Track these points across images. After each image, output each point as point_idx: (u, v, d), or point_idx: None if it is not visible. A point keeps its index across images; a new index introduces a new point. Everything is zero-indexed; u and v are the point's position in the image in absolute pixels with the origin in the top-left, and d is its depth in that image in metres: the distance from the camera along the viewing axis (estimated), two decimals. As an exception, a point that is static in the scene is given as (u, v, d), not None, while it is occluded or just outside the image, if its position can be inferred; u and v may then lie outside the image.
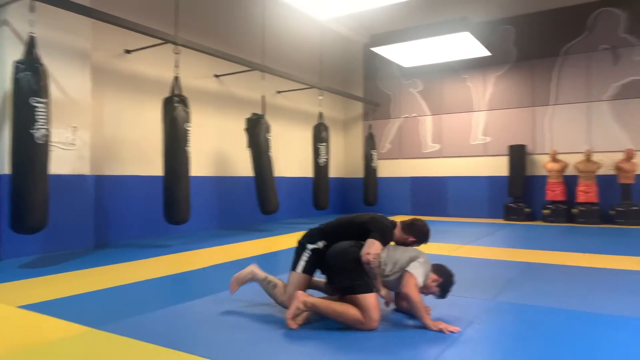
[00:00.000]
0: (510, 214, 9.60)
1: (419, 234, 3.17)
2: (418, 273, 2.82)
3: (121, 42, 6.66)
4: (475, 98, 10.49)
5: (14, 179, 4.60)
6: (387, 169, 11.41)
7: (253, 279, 3.23)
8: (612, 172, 8.90)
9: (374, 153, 10.68)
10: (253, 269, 3.24)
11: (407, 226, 3.18)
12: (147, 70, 7.06)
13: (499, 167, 10.11)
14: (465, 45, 8.61)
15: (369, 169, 10.56)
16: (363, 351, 2.42)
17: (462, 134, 10.60)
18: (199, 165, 7.68)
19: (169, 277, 4.24)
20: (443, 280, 2.94)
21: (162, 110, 6.10)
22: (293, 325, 2.72)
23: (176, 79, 6.10)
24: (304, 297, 2.80)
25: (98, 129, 6.37)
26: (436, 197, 10.87)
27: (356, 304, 2.72)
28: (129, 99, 6.84)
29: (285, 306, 3.00)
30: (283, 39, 9.63)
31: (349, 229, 3.11)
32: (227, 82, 8.40)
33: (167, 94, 6.18)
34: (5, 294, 3.58)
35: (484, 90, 10.39)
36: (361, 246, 2.89)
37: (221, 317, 3.02)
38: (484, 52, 9.10)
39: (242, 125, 7.73)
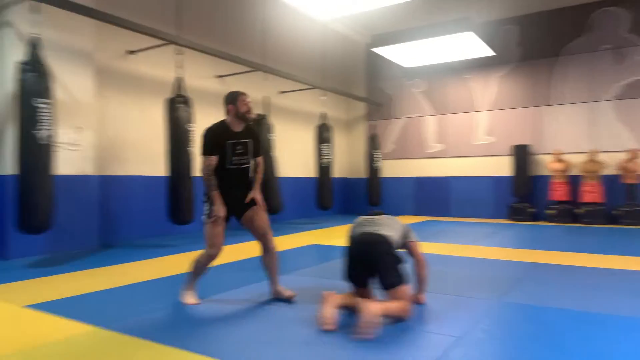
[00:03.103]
0: (514, 214, 9.56)
1: (228, 98, 3.32)
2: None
3: (124, 42, 6.67)
4: (478, 98, 10.46)
5: (19, 179, 4.63)
6: (390, 169, 11.39)
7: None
8: (616, 172, 8.85)
9: (378, 153, 10.67)
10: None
11: (224, 102, 3.33)
12: (150, 70, 7.07)
13: (502, 167, 10.08)
14: (469, 45, 8.58)
15: (372, 169, 10.55)
16: (370, 348, 2.41)
17: (466, 134, 10.58)
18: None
19: (174, 277, 4.23)
20: None
21: (165, 111, 6.11)
22: (331, 326, 2.69)
23: (178, 79, 6.08)
24: (373, 308, 2.62)
25: (102, 129, 6.38)
26: (440, 197, 10.84)
27: (400, 296, 2.80)
28: (133, 100, 6.86)
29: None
30: (285, 39, 9.63)
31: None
32: (230, 82, 8.40)
33: (170, 94, 6.18)
34: (12, 294, 3.60)
35: (487, 90, 10.36)
36: (393, 241, 2.99)
37: (227, 317, 3.02)
38: (488, 52, 9.08)
39: (245, 125, 7.72)
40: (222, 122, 3.30)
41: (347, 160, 12.08)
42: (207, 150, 3.19)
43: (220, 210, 3.16)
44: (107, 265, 4.81)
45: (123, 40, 6.61)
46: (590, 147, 9.12)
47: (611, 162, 8.94)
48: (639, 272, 4.35)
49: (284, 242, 6.48)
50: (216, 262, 4.89)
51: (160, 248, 5.93)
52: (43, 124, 4.65)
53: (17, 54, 5.03)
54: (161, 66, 7.12)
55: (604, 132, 9.13)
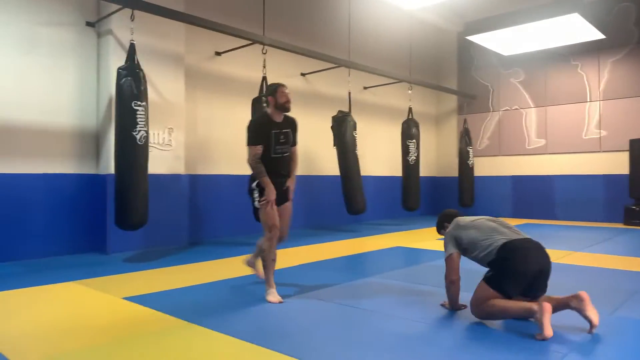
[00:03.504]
0: (631, 217, 8.41)
1: (268, 90, 3.59)
2: None
3: (212, 44, 6.87)
4: (587, 87, 9.37)
5: (118, 178, 4.90)
6: (485, 167, 10.64)
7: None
8: None
9: (470, 150, 10.01)
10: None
11: (264, 94, 3.60)
12: (236, 71, 7.23)
13: (617, 164, 8.93)
14: (575, 28, 7.70)
15: (465, 167, 9.92)
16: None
17: (572, 127, 9.53)
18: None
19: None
20: None
21: (251, 111, 6.17)
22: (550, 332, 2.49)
23: (264, 79, 6.12)
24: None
25: (191, 129, 6.64)
26: (542, 198, 9.89)
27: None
28: (220, 100, 7.05)
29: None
30: (369, 33, 9.38)
31: None
32: (313, 80, 8.36)
33: (255, 94, 6.24)
34: (112, 286, 3.85)
35: (598, 77, 9.25)
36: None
37: (311, 317, 2.99)
38: (597, 35, 8.07)
39: (329, 123, 7.63)
40: (265, 114, 3.54)
41: (435, 158, 11.52)
42: (254, 141, 3.39)
43: (272, 193, 3.37)
44: (197, 262, 4.97)
45: (211, 41, 6.81)
46: None
47: None
48: None
49: (367, 244, 6.28)
50: (300, 261, 4.88)
51: (246, 246, 6.01)
52: (140, 126, 4.89)
53: (117, 59, 5.37)
54: (247, 66, 7.24)
55: None
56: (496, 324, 2.79)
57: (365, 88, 9.35)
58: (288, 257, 5.19)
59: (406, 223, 8.92)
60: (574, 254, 5.35)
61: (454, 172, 10.68)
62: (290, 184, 3.59)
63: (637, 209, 8.37)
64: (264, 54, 6.23)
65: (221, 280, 4.03)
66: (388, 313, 3.04)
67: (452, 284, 2.99)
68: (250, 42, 6.40)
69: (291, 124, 3.59)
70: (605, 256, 5.27)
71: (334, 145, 7.47)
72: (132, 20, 5.06)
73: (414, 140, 8.60)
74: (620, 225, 8.49)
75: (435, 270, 4.60)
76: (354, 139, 7.39)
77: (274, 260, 3.47)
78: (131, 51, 4.99)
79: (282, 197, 3.52)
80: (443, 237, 3.19)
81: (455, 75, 11.20)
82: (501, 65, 10.44)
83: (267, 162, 3.41)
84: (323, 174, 8.46)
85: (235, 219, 7.04)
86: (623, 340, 2.53)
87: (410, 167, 8.61)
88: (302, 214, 8.13)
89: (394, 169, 9.67)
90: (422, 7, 8.05)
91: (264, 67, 6.18)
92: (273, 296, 3.35)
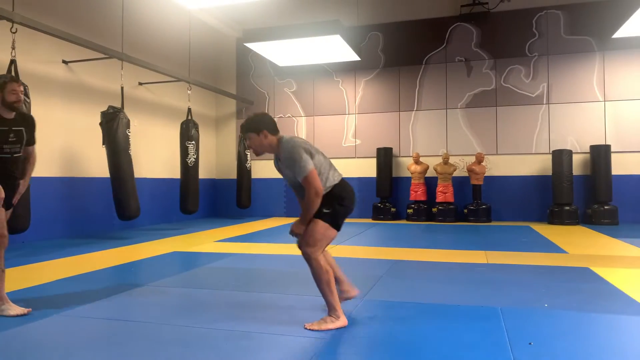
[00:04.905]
0: (377, 213, 10.06)
1: None
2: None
3: None
4: (346, 101, 10.82)
5: None
6: (261, 169, 11.21)
7: None
8: (465, 174, 9.83)
9: (248, 153, 10.40)
10: None
11: None
12: (-28, 49, 5.91)
13: (368, 168, 10.55)
14: (337, 48, 8.78)
15: (243, 170, 10.25)
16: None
17: (335, 136, 10.86)
18: (42, 165, 6.64)
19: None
20: None
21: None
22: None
23: (13, 62, 5.23)
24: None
25: None
26: (310, 197, 10.95)
27: None
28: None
29: None
30: (146, 26, 8.85)
31: None
32: (79, 69, 7.43)
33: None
34: None
35: (354, 93, 10.77)
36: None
37: (74, 338, 2.60)
38: (354, 57, 9.39)
39: (97, 119, 6.89)
40: None
41: (215, 160, 11.60)
42: None
43: (1, 192, 3.06)
44: None
45: None
46: (443, 151, 9.99)
47: (461, 165, 9.91)
48: (482, 265, 4.79)
49: (141, 251, 5.89)
50: (60, 275, 4.22)
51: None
52: None
53: None
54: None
55: (455, 137, 10.07)
56: (265, 318, 2.96)
57: (140, 84, 8.77)
58: (45, 272, 4.49)
59: (184, 227, 8.71)
60: (334, 247, 6.07)
61: (232, 174, 10.93)
62: (22, 187, 3.32)
63: (382, 206, 10.05)
64: (14, 32, 5.27)
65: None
66: (162, 322, 2.91)
67: (319, 196, 2.86)
68: (-8, 16, 5.31)
69: (26, 122, 3.28)
70: (358, 247, 6.15)
71: (103, 144, 6.78)
72: None
73: (194, 142, 8.48)
74: (369, 220, 10.04)
75: (214, 273, 4.62)
76: (127, 138, 6.84)
77: (3, 270, 3.12)
78: None
79: (8, 202, 3.22)
80: (248, 138, 2.88)
81: (235, 80, 11.49)
82: (276, 74, 11.17)
83: None
84: (89, 176, 7.58)
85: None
86: (373, 320, 2.95)
87: (189, 169, 8.45)
88: (63, 221, 7.13)
89: (172, 170, 9.34)
90: (202, 9, 8.02)
91: (13, 48, 5.24)
92: (14, 309, 3.02)
